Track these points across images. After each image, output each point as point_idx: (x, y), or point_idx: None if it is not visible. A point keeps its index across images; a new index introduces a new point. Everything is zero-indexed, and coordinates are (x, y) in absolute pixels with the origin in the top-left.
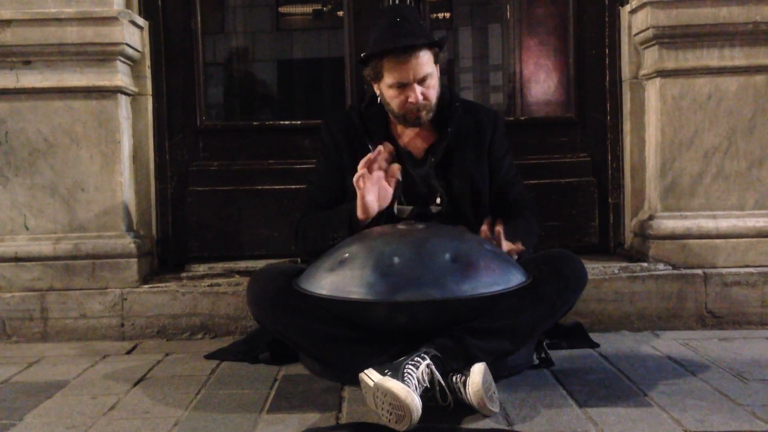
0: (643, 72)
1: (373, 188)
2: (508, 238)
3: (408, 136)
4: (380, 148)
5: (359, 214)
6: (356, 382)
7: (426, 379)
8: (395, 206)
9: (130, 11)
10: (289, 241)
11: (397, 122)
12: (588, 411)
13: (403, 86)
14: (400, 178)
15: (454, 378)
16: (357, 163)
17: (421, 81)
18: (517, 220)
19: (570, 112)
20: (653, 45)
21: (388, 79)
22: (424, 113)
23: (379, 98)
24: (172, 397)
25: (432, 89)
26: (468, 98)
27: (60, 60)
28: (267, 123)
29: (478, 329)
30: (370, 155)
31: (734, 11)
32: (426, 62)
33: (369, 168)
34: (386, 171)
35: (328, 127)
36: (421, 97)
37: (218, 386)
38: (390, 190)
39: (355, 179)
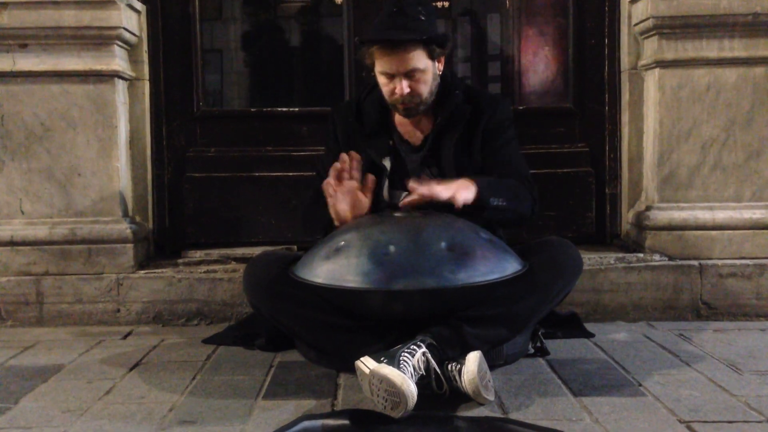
0: (642, 62)
1: (345, 198)
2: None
3: (407, 124)
4: (345, 157)
5: (335, 221)
6: (352, 370)
7: (422, 366)
8: (384, 191)
9: None
10: (286, 228)
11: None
12: (582, 400)
13: (390, 76)
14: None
15: (449, 366)
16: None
17: (409, 74)
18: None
19: (568, 102)
20: (653, 35)
21: (378, 66)
22: (413, 106)
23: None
24: (168, 382)
25: (422, 84)
26: None
27: (57, 43)
28: (265, 110)
29: (473, 317)
30: (336, 165)
31: (734, 3)
32: (414, 57)
33: (339, 177)
34: (363, 182)
35: (332, 116)
36: (406, 90)
37: (214, 372)
38: (366, 201)
39: (323, 186)
